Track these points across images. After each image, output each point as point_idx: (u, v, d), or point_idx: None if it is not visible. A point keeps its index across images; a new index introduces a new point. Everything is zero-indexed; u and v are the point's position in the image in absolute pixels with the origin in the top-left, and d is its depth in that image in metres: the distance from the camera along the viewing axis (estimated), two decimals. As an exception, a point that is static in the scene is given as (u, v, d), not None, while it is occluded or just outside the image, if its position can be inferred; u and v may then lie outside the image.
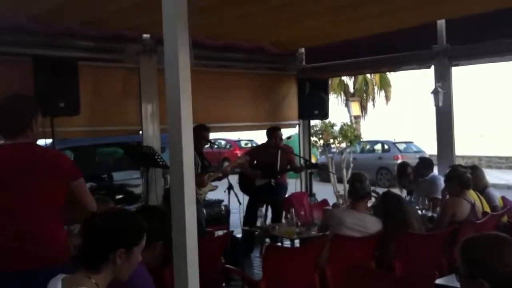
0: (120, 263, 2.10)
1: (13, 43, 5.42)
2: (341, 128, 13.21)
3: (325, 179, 16.37)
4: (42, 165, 2.84)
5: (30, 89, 5.22)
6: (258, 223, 5.71)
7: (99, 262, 2.09)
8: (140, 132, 6.44)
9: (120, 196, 8.00)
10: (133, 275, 2.20)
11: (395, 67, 8.32)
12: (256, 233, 6.06)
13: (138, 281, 2.28)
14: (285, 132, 8.96)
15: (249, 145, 21.26)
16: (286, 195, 6.99)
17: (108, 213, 2.23)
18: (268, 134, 7.09)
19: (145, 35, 6.33)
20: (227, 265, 4.46)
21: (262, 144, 7.45)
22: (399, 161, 12.93)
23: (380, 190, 5.51)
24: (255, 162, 7.10)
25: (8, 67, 5.39)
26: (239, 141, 22.54)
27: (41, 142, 6.32)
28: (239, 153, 19.57)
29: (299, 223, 5.15)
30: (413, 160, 11.29)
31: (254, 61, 7.54)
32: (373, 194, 5.86)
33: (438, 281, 3.04)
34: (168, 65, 1.95)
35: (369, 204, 5.85)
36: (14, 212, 2.75)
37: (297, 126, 8.24)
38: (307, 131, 8.27)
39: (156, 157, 5.64)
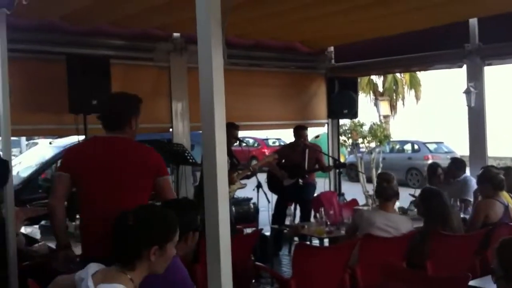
0: (155, 260, 2.12)
1: (47, 41, 5.54)
2: (371, 128, 13.11)
3: (354, 178, 16.28)
4: (134, 158, 3.13)
5: (63, 86, 5.34)
6: (287, 222, 5.71)
7: (133, 260, 2.12)
8: (171, 129, 6.51)
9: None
10: (168, 267, 2.23)
11: (426, 66, 8.21)
12: (285, 231, 6.06)
13: (172, 273, 2.32)
14: (314, 131, 8.91)
15: (277, 143, 21.25)
16: (315, 195, 6.97)
17: (139, 211, 2.24)
18: (295, 133, 7.10)
19: (176, 34, 6.39)
20: (257, 263, 4.47)
21: (290, 143, 7.46)
22: (429, 161, 12.75)
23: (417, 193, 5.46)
24: (283, 161, 7.11)
25: (43, 65, 5.51)
26: (267, 139, 22.53)
27: (74, 138, 6.50)
28: (266, 151, 19.59)
29: (328, 222, 5.13)
30: (443, 161, 11.15)
31: (283, 60, 7.53)
32: (410, 195, 5.79)
33: (471, 282, 3.00)
34: (201, 65, 1.96)
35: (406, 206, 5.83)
36: (105, 199, 3.03)
37: (326, 125, 8.19)
38: (336, 130, 8.22)
39: (186, 154, 5.69)
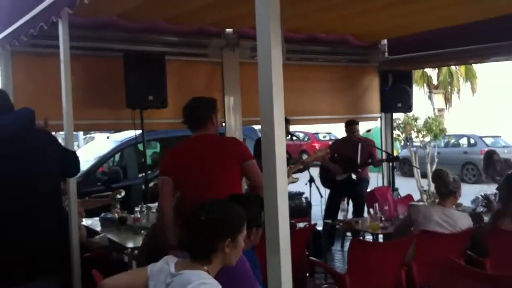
0: (229, 252, 2.19)
1: (106, 39, 5.71)
2: (426, 122, 12.80)
3: (407, 173, 15.97)
4: (221, 149, 3.56)
5: (121, 82, 5.49)
6: (340, 217, 5.68)
7: (209, 253, 2.19)
8: (223, 124, 6.59)
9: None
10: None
11: (483, 59, 7.93)
12: (338, 226, 6.02)
13: (238, 265, 2.37)
14: (365, 125, 8.82)
15: (327, 138, 21.11)
16: (368, 190, 6.89)
17: (209, 206, 2.29)
18: (346, 128, 7.05)
19: (228, 30, 6.45)
20: (311, 257, 4.48)
21: (343, 138, 7.41)
22: (487, 156, 12.33)
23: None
24: (336, 155, 7.07)
25: (101, 62, 5.68)
26: (317, 133, 22.41)
27: (131, 133, 6.67)
28: (317, 145, 19.49)
29: (383, 218, 5.07)
30: (501, 156, 10.74)
31: (336, 54, 7.46)
32: (481, 196, 5.61)
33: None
34: (261, 61, 1.97)
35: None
36: (207, 186, 3.39)
37: (379, 119, 8.07)
38: (389, 125, 8.08)
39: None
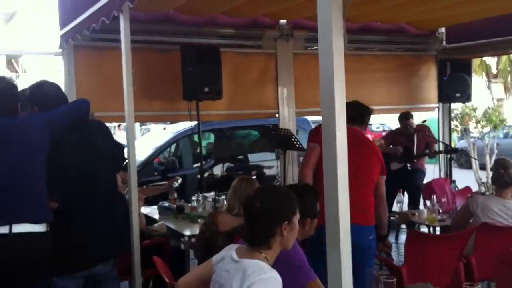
0: (287, 234, 2.22)
1: (162, 32, 5.84)
2: (485, 112, 12.36)
3: (464, 165, 15.52)
4: (370, 150, 3.83)
5: (177, 75, 5.61)
6: (396, 208, 5.60)
7: (268, 239, 2.23)
8: (277, 115, 6.62)
9: (255, 177, 8.28)
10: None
11: (545, 46, 7.58)
12: (392, 218, 5.94)
13: (294, 253, 2.40)
14: (421, 116, 8.62)
15: (381, 128, 20.75)
16: (425, 181, 6.76)
17: (261, 192, 2.33)
18: (400, 121, 6.96)
19: (282, 21, 6.45)
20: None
21: (397, 129, 7.29)
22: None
23: None
24: (391, 146, 6.98)
25: (159, 55, 5.82)
26: (370, 124, 22.05)
27: (187, 124, 6.80)
28: (370, 136, 19.20)
29: (441, 211, 4.97)
30: None
31: (392, 43, 7.32)
32: None
33: None
34: (322, 52, 1.97)
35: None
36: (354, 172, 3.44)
37: (436, 109, 7.88)
38: (447, 115, 7.87)
39: (292, 139, 5.75)
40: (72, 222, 3.23)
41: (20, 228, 2.93)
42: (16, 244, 2.93)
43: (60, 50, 5.36)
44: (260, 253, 2.22)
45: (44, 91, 3.36)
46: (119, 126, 17.31)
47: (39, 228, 2.99)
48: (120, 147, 3.68)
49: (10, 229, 2.90)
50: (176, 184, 5.28)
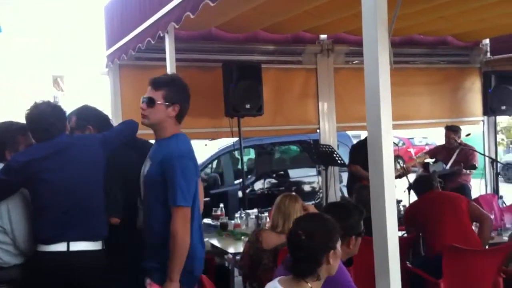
0: (332, 262, 2.21)
1: (205, 50, 5.94)
2: (532, 125, 12.02)
3: (511, 179, 15.09)
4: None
5: (219, 92, 5.68)
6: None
7: (315, 269, 2.20)
8: (318, 130, 6.59)
9: (296, 193, 8.24)
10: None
11: None
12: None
13: (340, 276, 2.37)
14: (465, 129, 8.47)
15: (423, 142, 20.36)
16: (472, 197, 6.58)
17: (304, 224, 2.29)
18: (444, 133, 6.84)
19: (322, 36, 6.46)
20: (408, 264, 4.37)
21: (443, 143, 7.15)
22: None
23: None
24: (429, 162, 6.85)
25: (201, 72, 5.91)
26: (412, 138, 21.66)
27: (228, 140, 6.84)
28: (412, 150, 18.85)
29: (489, 227, 4.81)
30: None
31: (434, 55, 7.23)
32: None
33: None
34: (368, 70, 1.98)
35: None
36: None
37: (481, 122, 7.69)
38: (492, 128, 7.66)
39: (334, 155, 5.72)
40: (128, 236, 3.30)
41: (77, 246, 2.99)
42: (73, 261, 2.98)
43: (106, 69, 5.51)
44: (306, 283, 2.20)
45: (92, 113, 3.48)
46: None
47: (96, 245, 3.06)
48: None
49: (68, 246, 2.97)
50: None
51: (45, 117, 3.09)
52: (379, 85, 1.98)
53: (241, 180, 7.13)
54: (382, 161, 1.96)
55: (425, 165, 6.80)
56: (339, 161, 5.70)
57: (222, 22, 5.32)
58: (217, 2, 2.91)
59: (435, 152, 7.14)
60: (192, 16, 3.24)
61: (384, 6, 1.97)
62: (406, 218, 4.64)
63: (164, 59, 4.11)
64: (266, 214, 4.96)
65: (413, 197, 6.03)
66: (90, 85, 22.26)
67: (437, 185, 4.79)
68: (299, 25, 5.80)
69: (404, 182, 5.94)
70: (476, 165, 6.79)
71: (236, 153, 7.36)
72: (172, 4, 3.45)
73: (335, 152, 5.76)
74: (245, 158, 8.14)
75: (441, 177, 6.45)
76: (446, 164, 6.70)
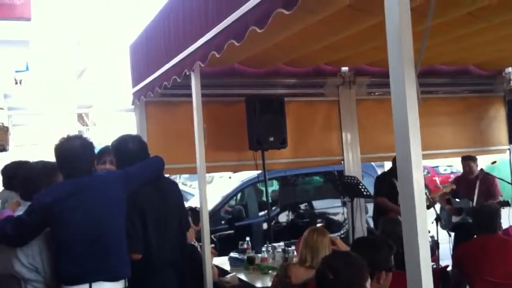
0: None
1: (228, 85, 6.03)
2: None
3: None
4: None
5: (243, 126, 5.74)
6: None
7: None
8: (342, 162, 6.59)
9: (321, 224, 8.18)
10: None
11: None
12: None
13: None
14: (490, 157, 8.36)
15: (448, 171, 20.10)
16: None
17: (334, 263, 2.27)
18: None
19: (344, 68, 6.51)
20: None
21: (462, 173, 7.04)
22: None
23: None
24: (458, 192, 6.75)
25: (225, 106, 5.99)
26: (437, 167, 21.39)
27: (252, 172, 6.87)
28: (437, 179, 18.63)
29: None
30: None
31: (457, 85, 7.21)
32: None
33: None
34: (396, 109, 2.00)
35: None
36: None
37: (507, 151, 7.59)
38: (519, 157, 7.57)
39: (360, 187, 5.69)
40: (149, 274, 3.32)
41: (99, 286, 2.99)
42: None
43: (132, 106, 5.63)
44: None
45: (129, 149, 3.54)
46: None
47: (118, 286, 3.06)
48: (184, 208, 3.86)
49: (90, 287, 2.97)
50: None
51: (75, 154, 3.12)
52: (408, 121, 1.98)
53: (265, 212, 7.14)
54: (413, 196, 1.96)
55: (448, 201, 6.69)
56: (365, 193, 5.67)
57: (244, 58, 5.41)
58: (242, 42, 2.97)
59: (458, 182, 7.04)
60: (217, 55, 3.31)
61: (409, 44, 2.00)
62: (454, 260, 4.43)
63: (188, 95, 4.19)
64: (292, 247, 4.93)
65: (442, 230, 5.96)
66: (115, 119, 22.61)
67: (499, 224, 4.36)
68: (320, 59, 5.86)
69: (431, 213, 5.87)
70: (509, 202, 6.64)
71: (260, 185, 7.38)
72: (197, 44, 3.53)
73: (361, 184, 5.73)
74: (269, 190, 8.14)
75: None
76: (469, 196, 6.57)
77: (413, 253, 1.96)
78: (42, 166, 3.25)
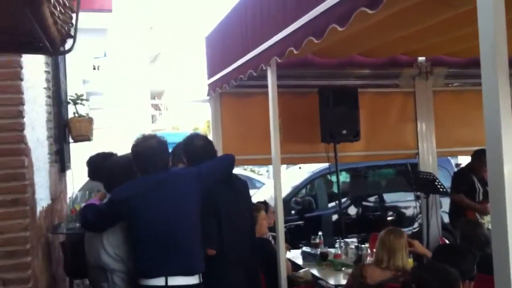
0: None
1: (301, 76, 5.97)
2: None
3: None
4: None
5: (315, 117, 5.68)
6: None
7: None
8: (417, 155, 6.40)
9: (392, 218, 8.03)
10: None
11: None
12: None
13: None
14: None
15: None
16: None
17: (434, 273, 2.23)
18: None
19: (420, 58, 6.27)
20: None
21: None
22: None
23: None
24: None
25: (298, 98, 5.95)
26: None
27: (323, 164, 6.81)
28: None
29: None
30: None
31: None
32: None
33: None
34: (486, 94, 1.90)
35: None
36: None
37: None
38: None
39: (436, 183, 5.51)
40: (223, 269, 3.39)
41: (175, 280, 3.06)
42: None
43: (208, 97, 5.71)
44: None
45: (195, 146, 3.61)
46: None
47: (193, 280, 3.12)
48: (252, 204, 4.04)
49: (166, 281, 3.04)
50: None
51: (151, 151, 3.21)
52: (499, 112, 1.87)
53: (334, 203, 7.08)
54: (504, 194, 1.86)
55: None
56: (441, 190, 5.48)
57: (318, 49, 5.33)
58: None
59: None
60: (295, 52, 3.28)
61: (503, 33, 1.89)
62: None
63: (263, 86, 4.20)
64: (366, 245, 4.87)
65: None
66: (186, 105, 23.12)
67: None
68: (395, 49, 5.67)
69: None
70: None
71: (330, 176, 7.31)
72: (275, 39, 3.51)
73: (437, 180, 5.53)
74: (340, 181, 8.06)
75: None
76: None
77: (502, 253, 1.87)
78: (127, 160, 3.35)
